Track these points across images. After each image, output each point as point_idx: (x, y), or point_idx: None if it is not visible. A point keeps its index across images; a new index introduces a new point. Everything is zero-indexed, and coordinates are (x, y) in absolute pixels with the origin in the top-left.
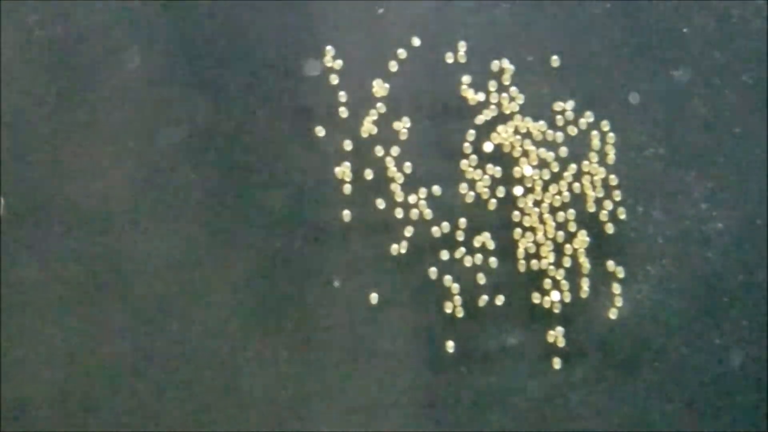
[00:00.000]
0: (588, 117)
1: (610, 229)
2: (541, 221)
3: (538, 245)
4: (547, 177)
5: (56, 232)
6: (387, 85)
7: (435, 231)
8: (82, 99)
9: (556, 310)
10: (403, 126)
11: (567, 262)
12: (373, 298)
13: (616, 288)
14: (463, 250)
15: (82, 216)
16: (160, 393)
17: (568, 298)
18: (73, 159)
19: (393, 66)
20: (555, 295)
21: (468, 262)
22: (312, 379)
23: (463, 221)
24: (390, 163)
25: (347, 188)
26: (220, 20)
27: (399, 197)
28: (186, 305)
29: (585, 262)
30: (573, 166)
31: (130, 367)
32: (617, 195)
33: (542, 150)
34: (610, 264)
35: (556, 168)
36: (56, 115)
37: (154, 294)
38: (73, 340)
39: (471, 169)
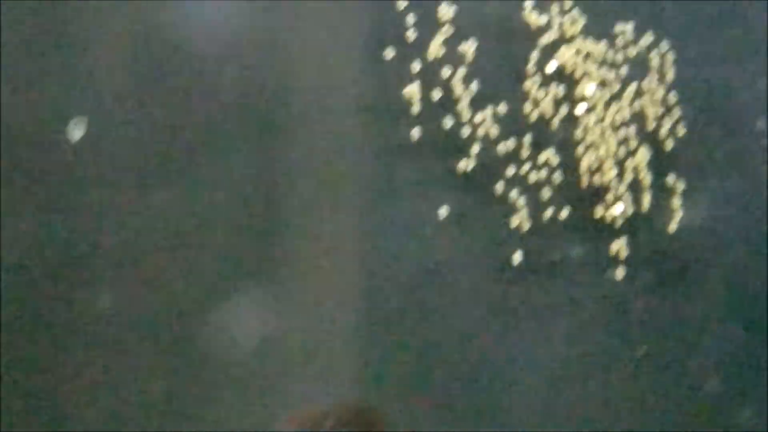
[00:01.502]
0: (648, 37)
1: (669, 145)
2: (603, 138)
3: (600, 161)
4: (608, 96)
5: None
6: (453, 8)
7: (501, 148)
8: None
9: (618, 223)
10: (469, 47)
11: (628, 176)
12: (442, 213)
13: (676, 201)
14: (528, 165)
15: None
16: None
17: (629, 212)
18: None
19: None
20: (617, 209)
21: (533, 177)
22: (383, 287)
23: (528, 138)
24: (457, 83)
25: (416, 108)
26: None
27: (466, 116)
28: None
29: (646, 177)
30: (633, 85)
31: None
32: (676, 112)
33: (603, 70)
34: (670, 178)
35: (616, 87)
36: None
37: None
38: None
39: (535, 89)
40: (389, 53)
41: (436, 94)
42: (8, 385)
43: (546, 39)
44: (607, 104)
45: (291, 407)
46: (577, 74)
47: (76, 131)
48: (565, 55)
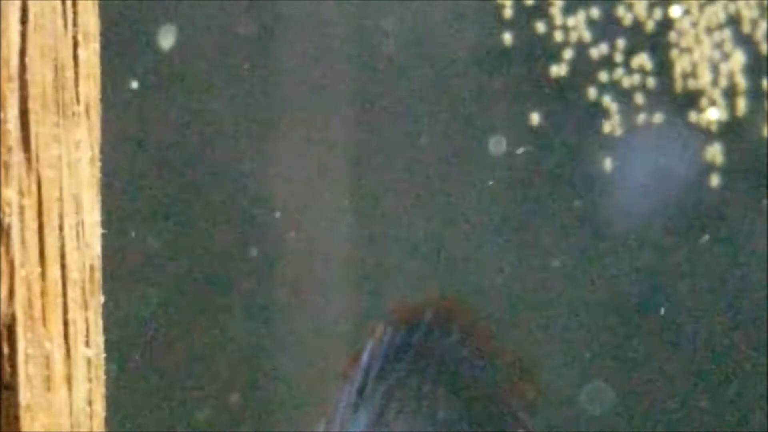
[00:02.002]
0: None
1: (765, 48)
2: (698, 41)
3: (694, 65)
4: None
5: None
6: None
7: (593, 53)
8: None
9: (713, 128)
10: None
11: (723, 81)
12: (534, 118)
13: None
14: (621, 70)
15: None
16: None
17: (724, 117)
18: None
19: None
20: (712, 113)
21: (626, 82)
22: (485, 186)
23: (621, 42)
24: None
25: (508, 12)
26: None
27: (558, 20)
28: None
29: (741, 81)
30: None
31: None
32: None
33: None
34: (766, 82)
35: None
36: None
37: None
38: None
39: None
40: None
41: None
42: None
43: None
44: (702, 6)
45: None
46: None
47: None
48: None
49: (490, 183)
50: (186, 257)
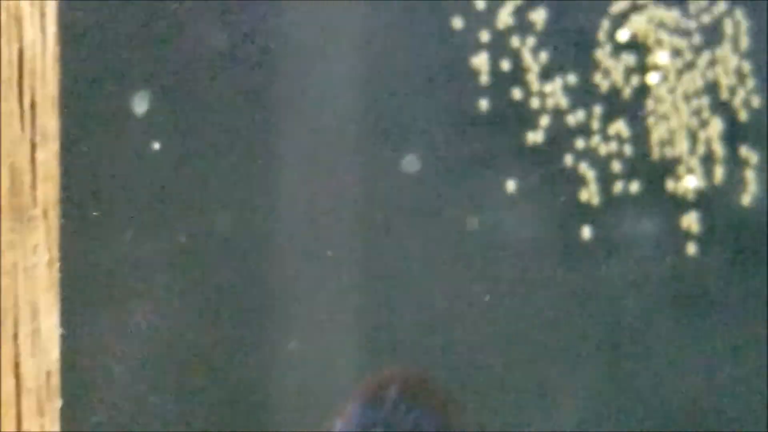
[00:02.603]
0: (721, 5)
1: (743, 116)
2: (675, 108)
3: (672, 132)
4: (680, 65)
5: None
6: None
7: (570, 119)
8: None
9: (690, 196)
10: (539, 17)
11: (701, 148)
12: (510, 185)
13: (750, 174)
14: (598, 137)
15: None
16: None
17: (702, 184)
18: None
19: None
20: (689, 181)
21: (603, 149)
22: (447, 266)
23: (598, 109)
24: (526, 53)
25: (484, 78)
26: None
27: (535, 87)
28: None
29: (718, 149)
30: (707, 54)
31: None
32: (750, 82)
33: (676, 38)
34: (744, 150)
35: (689, 56)
36: None
37: None
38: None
39: (606, 58)
40: (457, 23)
41: (505, 65)
42: None
43: (617, 7)
44: (680, 74)
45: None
46: (649, 43)
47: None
48: (637, 23)
49: (464, 251)
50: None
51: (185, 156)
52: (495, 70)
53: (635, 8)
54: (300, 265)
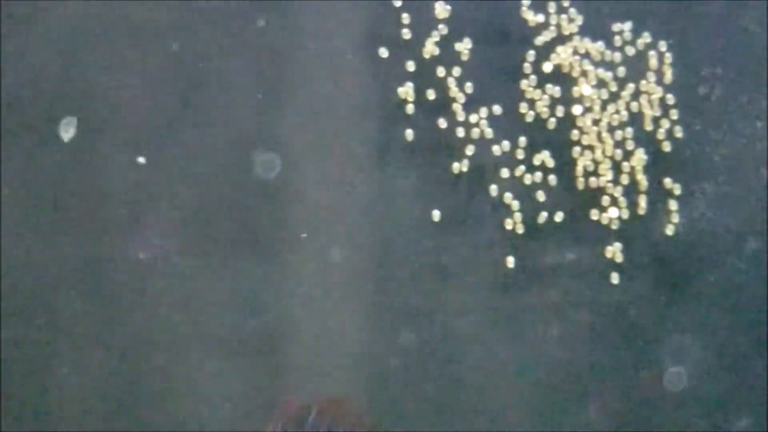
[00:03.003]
0: (645, 37)
1: (667, 147)
2: (600, 140)
3: (596, 163)
4: (605, 96)
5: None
6: (449, 7)
7: (495, 149)
8: None
9: (614, 227)
10: (464, 47)
11: (625, 179)
12: (436, 215)
13: (673, 205)
14: (523, 168)
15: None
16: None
17: (625, 215)
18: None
19: None
20: (613, 212)
21: (528, 179)
22: (376, 289)
23: (523, 140)
24: (452, 83)
25: (410, 108)
26: None
27: (460, 117)
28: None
29: (642, 180)
30: (631, 86)
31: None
32: (674, 114)
33: (600, 70)
34: (667, 181)
35: (614, 87)
36: None
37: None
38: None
39: (531, 89)
40: (384, 52)
41: (431, 94)
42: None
43: (543, 38)
44: (604, 105)
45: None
46: (574, 74)
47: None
48: (562, 54)
49: (390, 278)
50: None
51: (110, 181)
52: (421, 100)
53: (560, 40)
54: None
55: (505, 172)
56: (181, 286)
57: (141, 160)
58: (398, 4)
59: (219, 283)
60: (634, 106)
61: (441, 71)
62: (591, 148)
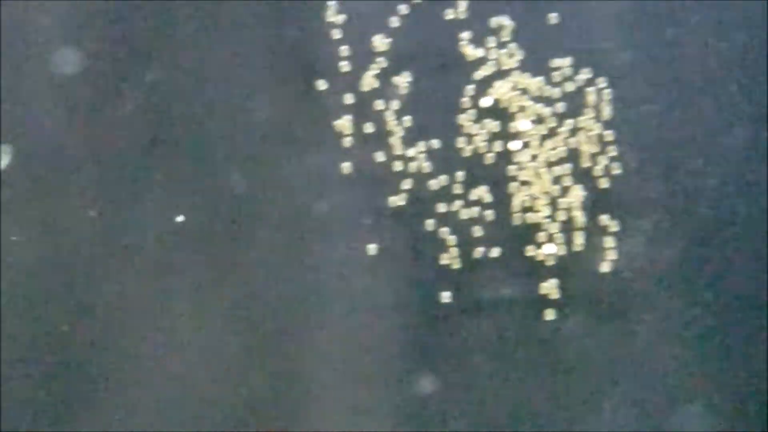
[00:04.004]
0: (584, 73)
1: (604, 183)
2: (537, 175)
3: (533, 199)
4: (543, 132)
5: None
6: (388, 40)
7: (433, 184)
8: None
9: (550, 263)
10: (403, 80)
11: (561, 215)
12: (372, 249)
13: (609, 241)
14: (460, 202)
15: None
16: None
17: (562, 251)
18: None
19: (394, 21)
20: (549, 248)
21: (465, 214)
22: (310, 324)
23: (460, 174)
24: (390, 116)
25: (348, 141)
26: None
27: (398, 150)
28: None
29: (579, 216)
30: (569, 122)
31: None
32: (612, 150)
33: (539, 105)
34: (604, 218)
35: (552, 123)
36: None
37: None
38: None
39: (469, 124)
40: (322, 84)
41: (369, 128)
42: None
43: (482, 73)
44: (542, 141)
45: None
46: (513, 109)
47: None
48: (501, 89)
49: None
50: None
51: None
52: (359, 133)
53: (499, 75)
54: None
55: (442, 207)
56: None
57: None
58: (337, 36)
59: None
60: (572, 142)
61: (379, 104)
62: (528, 183)
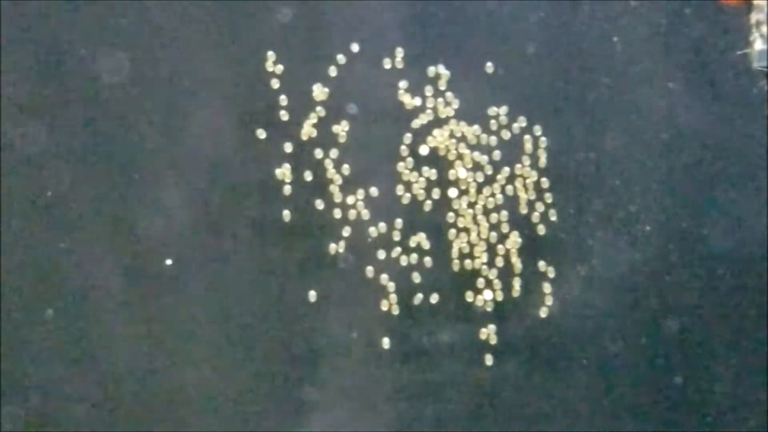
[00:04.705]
0: (521, 122)
1: (541, 230)
2: (475, 222)
3: (471, 245)
4: (481, 179)
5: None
6: (327, 90)
7: (372, 231)
8: None
9: (489, 309)
10: (342, 129)
11: (500, 262)
12: (312, 295)
13: (547, 287)
14: (399, 249)
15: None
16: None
17: (500, 297)
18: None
19: (333, 71)
20: (488, 294)
21: (404, 261)
22: (251, 373)
23: (399, 222)
24: (329, 165)
25: (287, 189)
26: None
27: (338, 198)
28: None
29: (517, 262)
30: (506, 169)
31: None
32: (548, 197)
33: (476, 153)
34: (542, 264)
35: (489, 171)
36: None
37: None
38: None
39: (407, 172)
40: (262, 133)
41: (308, 176)
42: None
43: (419, 121)
44: (480, 188)
45: None
46: (450, 157)
47: None
48: (438, 137)
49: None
50: None
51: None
52: (298, 181)
53: (437, 123)
54: None
55: (381, 254)
56: None
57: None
58: (276, 85)
59: None
60: (509, 189)
61: (318, 153)
62: (466, 230)
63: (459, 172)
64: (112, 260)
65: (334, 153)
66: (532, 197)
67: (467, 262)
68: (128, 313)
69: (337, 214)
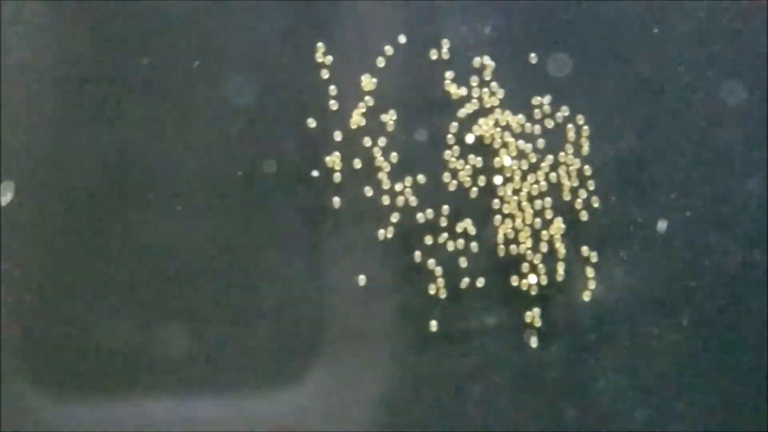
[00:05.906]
0: (564, 111)
1: (584, 216)
2: (520, 208)
3: (516, 231)
4: (525, 167)
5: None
6: (375, 80)
7: (419, 217)
8: None
9: (533, 292)
10: (390, 118)
11: (544, 247)
12: (361, 280)
13: (590, 272)
14: (446, 235)
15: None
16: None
17: (544, 281)
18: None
19: (381, 62)
20: (532, 278)
21: (450, 246)
22: (302, 357)
23: (446, 208)
24: (377, 153)
25: (337, 176)
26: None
27: (386, 185)
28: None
29: (560, 248)
30: (550, 157)
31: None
32: (591, 184)
33: (521, 142)
34: (585, 249)
35: (533, 159)
36: None
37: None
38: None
39: (454, 159)
40: (312, 122)
41: (358, 164)
42: None
43: (465, 110)
44: (524, 176)
45: None
46: (495, 145)
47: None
48: (484, 126)
49: (318, 341)
50: None
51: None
52: (348, 169)
53: (482, 112)
54: None
55: (428, 239)
56: None
57: None
58: (326, 76)
59: None
60: (552, 176)
61: (367, 141)
62: (511, 216)
63: (504, 159)
64: (157, 244)
65: (382, 141)
66: (575, 184)
67: (512, 247)
68: (171, 299)
69: (386, 200)
